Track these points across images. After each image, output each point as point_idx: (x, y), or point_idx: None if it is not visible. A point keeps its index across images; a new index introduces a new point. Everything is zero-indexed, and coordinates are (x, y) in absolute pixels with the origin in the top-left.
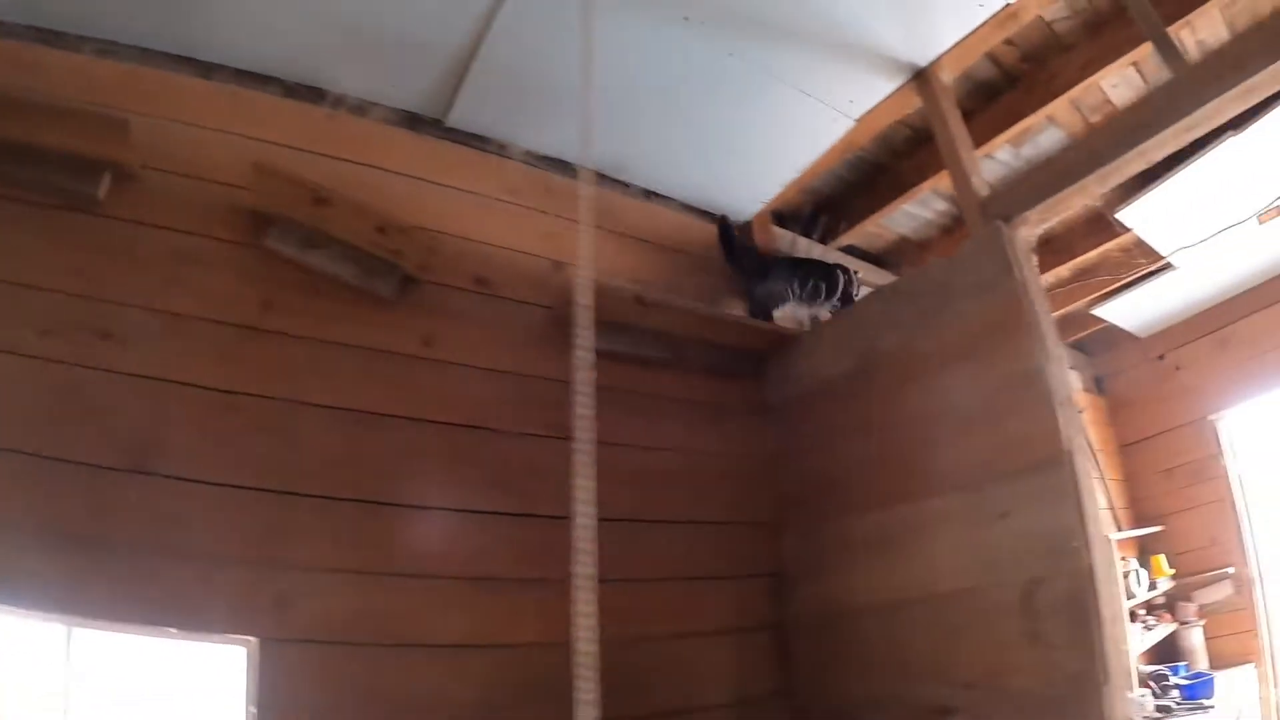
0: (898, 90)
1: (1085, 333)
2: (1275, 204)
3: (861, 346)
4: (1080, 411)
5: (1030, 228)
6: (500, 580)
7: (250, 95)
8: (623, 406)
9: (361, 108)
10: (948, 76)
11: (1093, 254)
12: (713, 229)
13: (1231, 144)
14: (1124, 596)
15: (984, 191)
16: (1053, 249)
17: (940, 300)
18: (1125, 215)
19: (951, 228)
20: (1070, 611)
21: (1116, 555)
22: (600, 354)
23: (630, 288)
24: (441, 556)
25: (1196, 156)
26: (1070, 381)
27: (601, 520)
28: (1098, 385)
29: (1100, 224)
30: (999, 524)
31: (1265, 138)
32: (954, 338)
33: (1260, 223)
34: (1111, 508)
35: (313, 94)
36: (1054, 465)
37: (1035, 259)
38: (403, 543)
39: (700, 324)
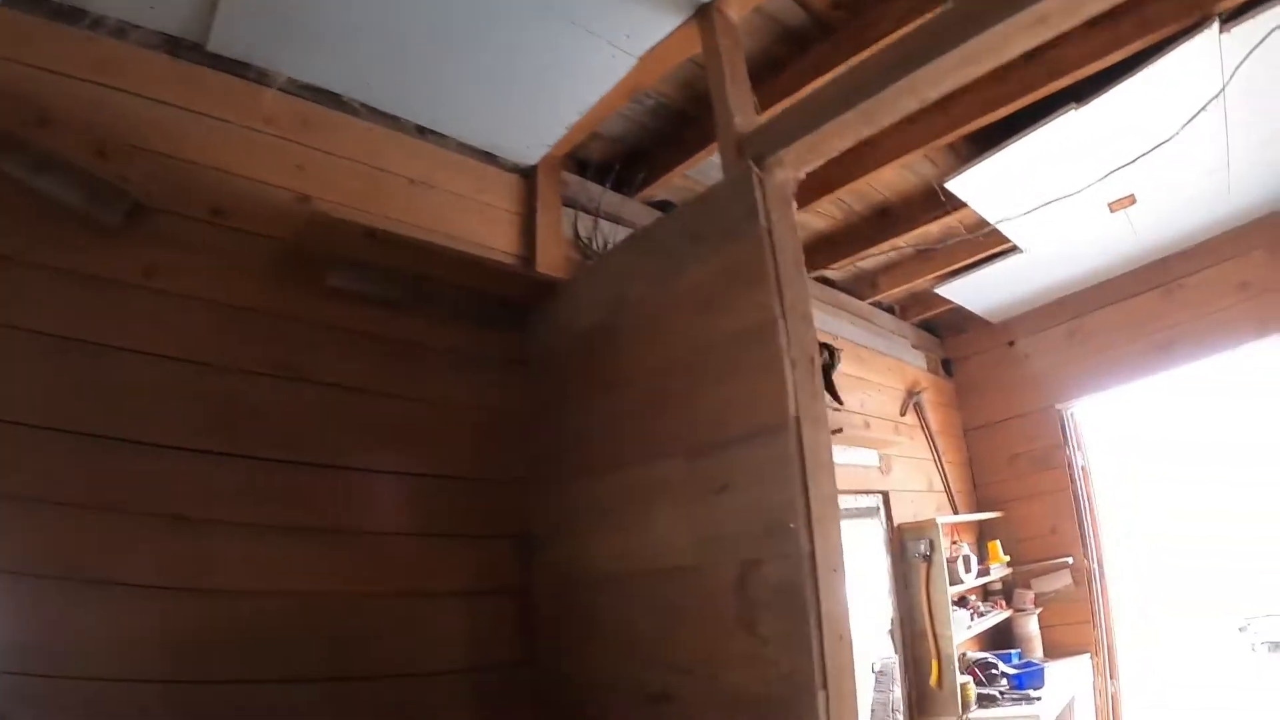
0: (681, 27)
1: (933, 313)
2: (1127, 195)
3: (610, 297)
4: (919, 391)
5: (788, 169)
6: (208, 522)
7: (9, 14)
8: (368, 351)
9: (122, 30)
10: (735, 13)
11: (933, 229)
12: (496, 172)
13: (1073, 118)
14: (842, 590)
15: (746, 130)
16: (890, 219)
17: (687, 246)
18: (956, 185)
19: None
20: (784, 602)
21: (941, 537)
22: (339, 293)
23: (360, 222)
24: (146, 494)
25: (1034, 128)
26: (813, 341)
27: (330, 466)
28: (945, 368)
29: (938, 197)
30: (719, 496)
31: (1110, 115)
32: (693, 288)
33: (1111, 211)
34: (948, 491)
35: (73, 14)
36: (777, 432)
37: (794, 204)
38: (107, 477)
39: (454, 266)
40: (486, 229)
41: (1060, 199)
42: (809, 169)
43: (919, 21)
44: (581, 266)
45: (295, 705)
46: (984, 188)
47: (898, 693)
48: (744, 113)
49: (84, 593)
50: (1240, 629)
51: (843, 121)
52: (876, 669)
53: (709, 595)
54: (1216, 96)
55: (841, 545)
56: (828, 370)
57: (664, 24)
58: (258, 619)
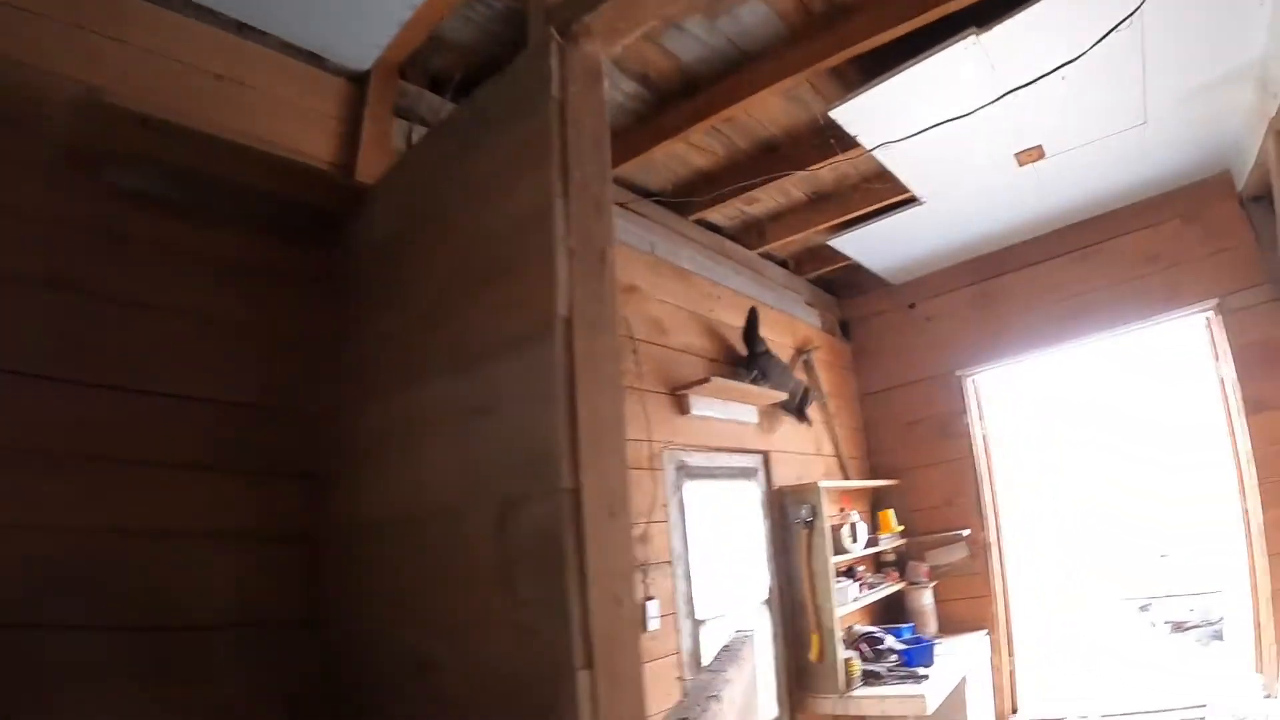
0: None
1: (830, 269)
2: (1035, 146)
3: (404, 200)
4: (811, 349)
5: (597, 40)
6: None
7: None
8: (154, 262)
9: None
10: None
11: (826, 173)
12: (320, 75)
13: (972, 46)
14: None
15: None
16: (777, 158)
17: (480, 133)
18: (842, 115)
19: (648, 115)
20: (542, 554)
21: (823, 503)
22: (131, 198)
23: (137, 108)
24: None
25: (930, 53)
26: (609, 233)
27: (100, 386)
28: (843, 330)
29: (826, 136)
30: (481, 421)
31: (1015, 42)
32: (481, 176)
33: (1020, 164)
34: (839, 456)
35: None
36: (541, 338)
37: (604, 80)
38: None
39: (254, 169)
40: (305, 135)
41: (942, 123)
42: (624, 41)
43: None
44: (386, 171)
45: (41, 653)
46: (872, 119)
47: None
48: None
49: None
50: (1142, 608)
51: None
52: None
53: (469, 544)
54: (1131, 16)
55: (625, 484)
56: (805, 396)
57: None
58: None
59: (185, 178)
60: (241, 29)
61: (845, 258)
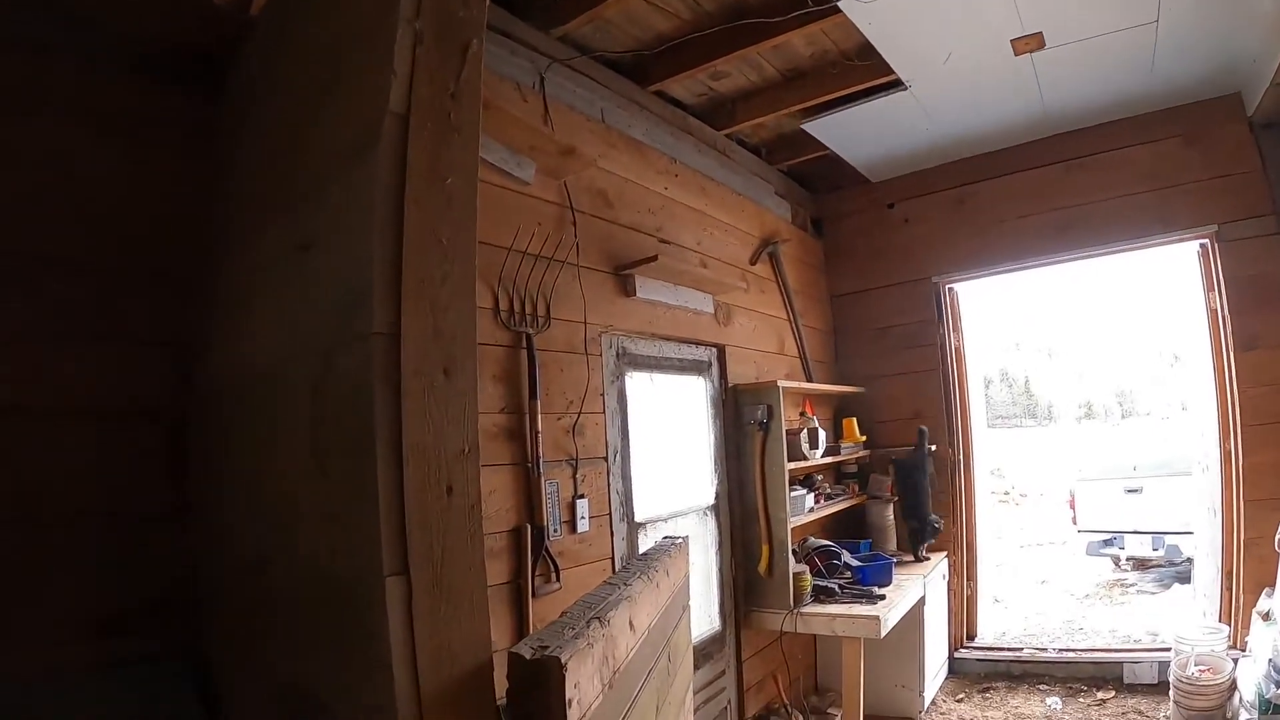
0: None
1: (805, 158)
2: (1035, 33)
3: (277, 25)
4: (778, 241)
5: None
6: None
7: None
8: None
9: None
10: None
11: (800, 44)
12: None
13: None
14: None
15: None
16: (747, 24)
17: None
18: None
19: None
20: (348, 423)
21: (781, 405)
22: None
23: None
24: None
25: None
26: (474, 21)
27: None
28: (816, 227)
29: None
30: (302, 258)
31: None
32: None
33: (1016, 52)
34: (803, 357)
35: None
36: (368, 149)
37: None
38: None
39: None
40: None
41: None
42: None
43: None
44: None
45: None
46: None
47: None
48: None
49: None
50: (1106, 542)
51: None
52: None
53: (288, 411)
54: None
55: (470, 336)
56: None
57: None
58: None
59: (47, 10)
60: None
61: (821, 147)
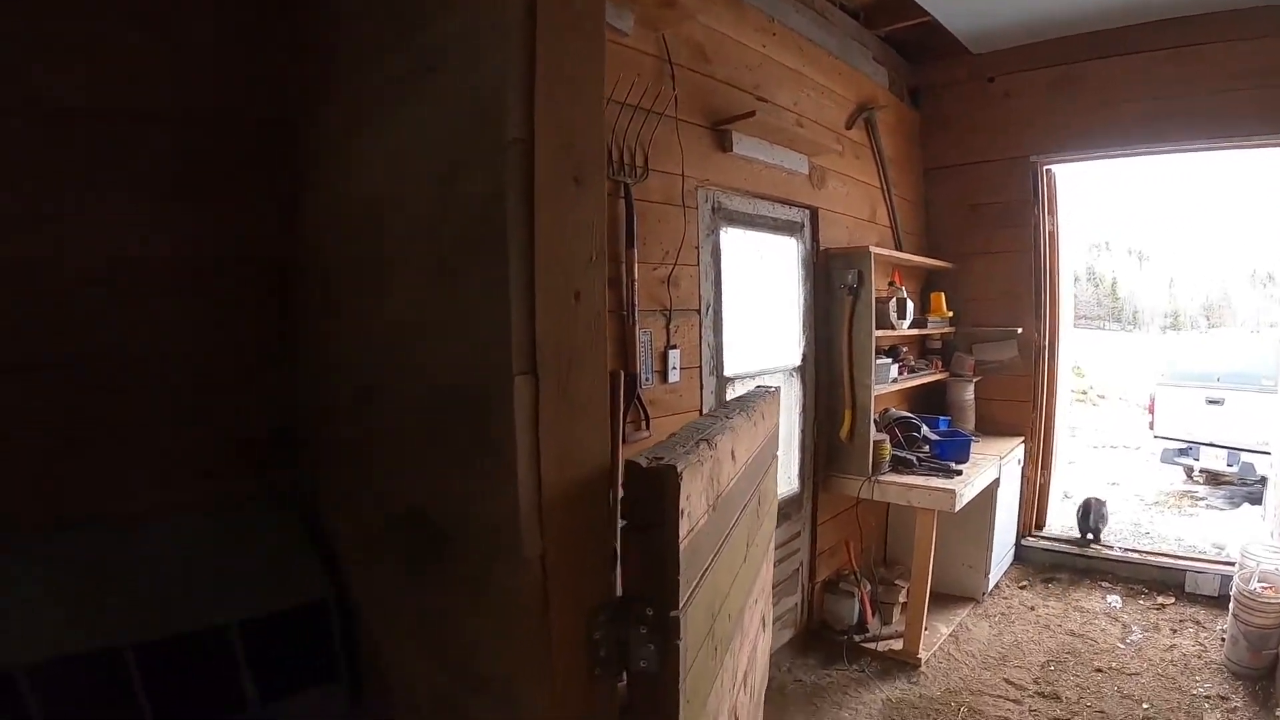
0: None
1: (905, 24)
2: None
3: None
4: (875, 108)
5: None
6: None
7: None
8: None
9: None
10: None
11: None
12: None
13: None
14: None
15: None
16: None
17: None
18: None
19: None
20: (481, 230)
21: (876, 275)
22: None
23: None
24: None
25: None
26: None
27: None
28: (913, 97)
29: None
30: (425, 81)
31: None
32: None
33: None
34: (894, 227)
35: None
36: None
37: None
38: None
39: None
40: None
41: None
42: None
43: None
44: None
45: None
46: None
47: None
48: None
49: None
50: (1181, 452)
51: None
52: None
53: (408, 226)
54: None
55: (601, 145)
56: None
57: None
58: None
59: None
60: None
61: (922, 13)
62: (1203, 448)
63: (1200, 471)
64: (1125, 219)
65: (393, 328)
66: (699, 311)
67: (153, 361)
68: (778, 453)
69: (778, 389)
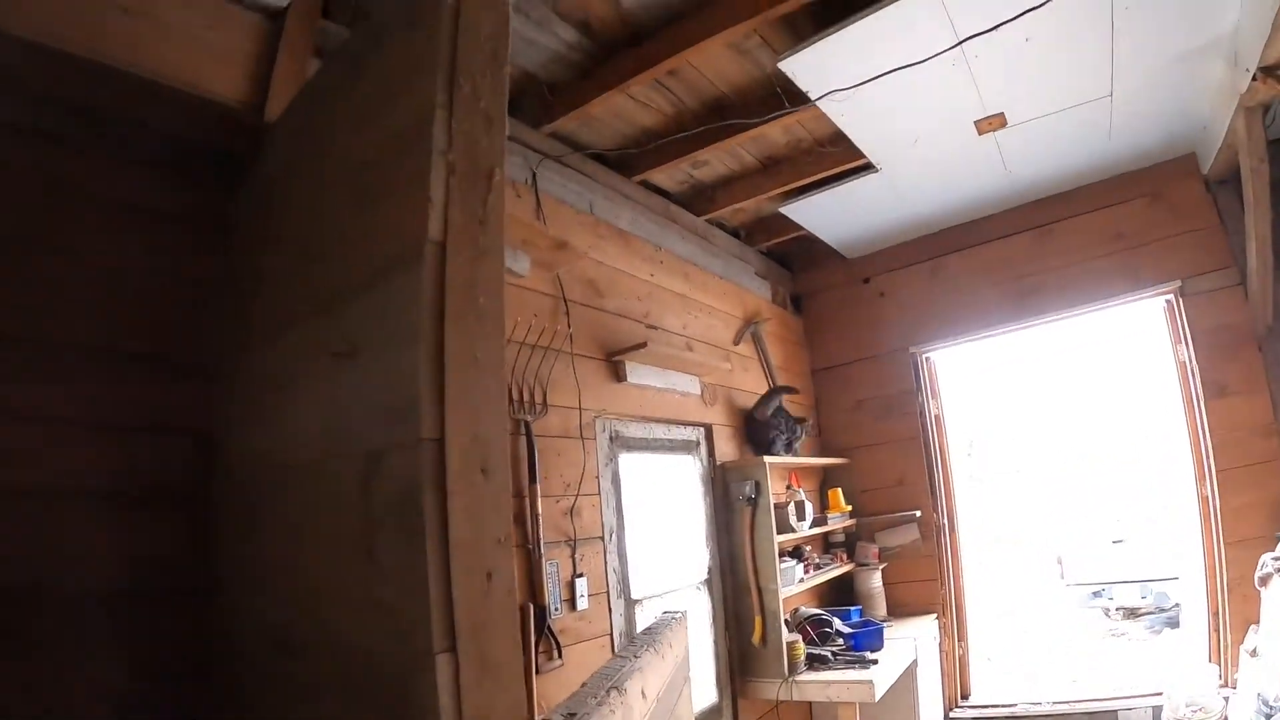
0: None
1: (782, 239)
2: (997, 114)
3: (299, 130)
4: (760, 321)
5: None
6: None
7: None
8: (31, 194)
9: None
10: None
11: (778, 134)
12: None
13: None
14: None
15: None
16: (726, 117)
17: (371, 47)
18: (791, 66)
19: (589, 66)
20: (401, 518)
21: (767, 480)
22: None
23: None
24: None
25: (884, 2)
26: (494, 151)
27: None
28: (794, 304)
29: (776, 92)
30: (347, 365)
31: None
32: (366, 93)
33: (979, 132)
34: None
35: None
36: (408, 268)
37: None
38: None
39: (156, 106)
40: (215, 72)
41: (896, 69)
42: None
43: None
44: (287, 105)
45: None
46: (824, 72)
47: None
48: None
49: None
50: (1095, 594)
51: None
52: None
53: (330, 505)
54: None
55: (503, 438)
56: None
57: None
58: None
59: (77, 111)
60: None
61: (798, 228)
62: (1115, 586)
63: (1117, 609)
64: (1017, 379)
65: (310, 589)
66: (603, 539)
67: (68, 593)
68: (689, 673)
69: (684, 614)
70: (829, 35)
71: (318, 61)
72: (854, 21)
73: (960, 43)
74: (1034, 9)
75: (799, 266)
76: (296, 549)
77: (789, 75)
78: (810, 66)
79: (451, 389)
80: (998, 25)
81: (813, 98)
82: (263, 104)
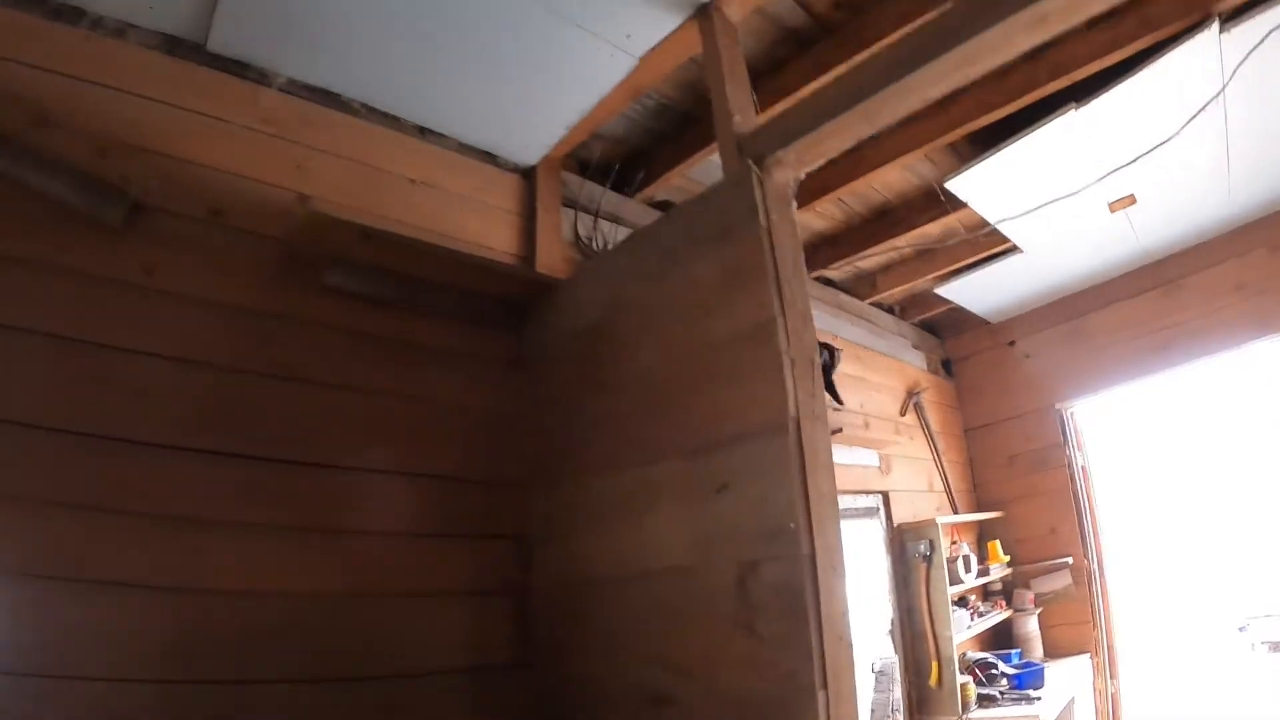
0: (681, 27)
1: (934, 313)
2: (1127, 195)
3: (606, 298)
4: (919, 391)
5: (788, 169)
6: (205, 522)
7: (9, 14)
8: (365, 350)
9: (120, 30)
10: (735, 14)
11: (933, 229)
12: (496, 171)
13: (1072, 118)
14: (843, 590)
15: (745, 130)
16: (891, 220)
17: (683, 246)
18: (956, 185)
19: None
20: (783, 603)
21: (941, 537)
22: (340, 293)
23: (358, 221)
24: (144, 493)
25: (1034, 127)
26: (813, 339)
27: (328, 466)
28: (945, 368)
29: (938, 198)
30: (718, 497)
31: (1111, 115)
32: (690, 288)
33: (1111, 211)
34: (949, 491)
35: (73, 14)
36: (776, 433)
37: (794, 204)
38: (105, 476)
39: (452, 267)
40: (486, 229)
41: (1060, 199)
42: (809, 169)
43: (919, 21)
44: (578, 267)
45: (293, 705)
46: (984, 188)
47: (897, 693)
48: (744, 112)
49: (85, 593)
50: (1240, 629)
51: (843, 121)
52: (876, 669)
53: (707, 596)
54: (1216, 97)
55: (841, 545)
56: (827, 370)
57: (664, 24)
58: (256, 618)
59: (388, 275)
60: (423, 133)
61: (949, 302)
62: (1261, 620)
63: (1263, 642)
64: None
65: (686, 656)
66: None
67: (434, 671)
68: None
69: (895, 659)
70: (988, 157)
71: (568, 211)
72: (1008, 145)
73: (1109, 175)
74: (1167, 142)
75: (947, 333)
76: (663, 626)
77: (955, 193)
78: (972, 183)
79: (814, 517)
80: (1139, 158)
81: (972, 206)
82: (532, 255)
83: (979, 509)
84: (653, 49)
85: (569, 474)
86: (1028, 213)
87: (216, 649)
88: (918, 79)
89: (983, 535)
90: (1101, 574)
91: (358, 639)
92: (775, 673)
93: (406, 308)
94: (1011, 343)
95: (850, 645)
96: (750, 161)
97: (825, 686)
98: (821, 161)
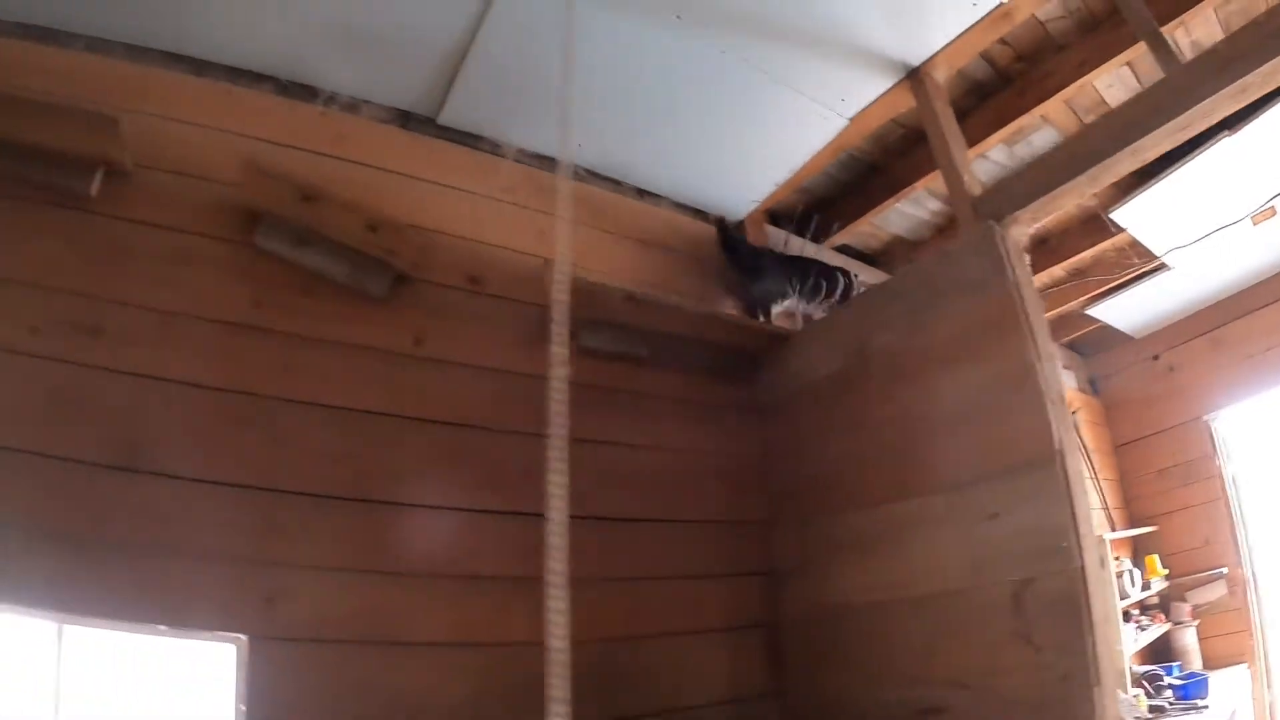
0: (891, 89)
1: (1079, 333)
2: (1269, 205)
3: (852, 345)
4: (1074, 411)
5: (1022, 226)
6: (490, 579)
7: (243, 93)
8: (614, 405)
9: (354, 105)
10: (941, 75)
11: (1087, 254)
12: (706, 228)
13: (1226, 144)
14: (1116, 597)
15: (976, 190)
16: (1048, 249)
17: (931, 299)
18: (1120, 215)
19: (945, 227)
20: (1060, 612)
21: (1110, 555)
22: (590, 352)
23: (620, 286)
24: (430, 555)
25: (1191, 156)
26: (1061, 380)
27: (591, 519)
28: (1092, 386)
29: (1094, 224)
30: (988, 524)
31: (1259, 138)
32: (945, 337)
33: (1254, 224)
34: (1105, 508)
35: (305, 92)
36: (1045, 464)
37: (1028, 258)
38: (392, 541)
39: (692, 322)
40: (706, 281)
41: (1224, 227)
42: (1039, 224)
43: (1094, 73)
44: (810, 320)
45: None
46: (1145, 216)
47: None
48: (970, 172)
49: (386, 654)
50: None
51: (1074, 184)
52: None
53: (980, 613)
54: None
55: (1105, 556)
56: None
57: (876, 87)
58: (534, 670)
59: (635, 334)
60: (641, 194)
61: (1096, 321)
62: None
63: None
64: None
65: (959, 669)
66: None
67: (699, 704)
68: None
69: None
70: (1149, 187)
71: None
72: (1167, 174)
73: (1262, 207)
74: None
75: (1090, 350)
76: (931, 644)
77: (1118, 222)
78: (1133, 209)
79: (1081, 534)
80: None
81: (1131, 233)
82: None
83: (1131, 524)
84: (863, 109)
85: (818, 510)
86: (1195, 242)
87: (505, 698)
88: (1141, 144)
89: (1137, 550)
90: (1257, 583)
91: (631, 678)
92: (1052, 675)
93: (650, 362)
94: (1155, 357)
95: (1118, 643)
96: (992, 222)
97: (1100, 683)
98: (1048, 218)
